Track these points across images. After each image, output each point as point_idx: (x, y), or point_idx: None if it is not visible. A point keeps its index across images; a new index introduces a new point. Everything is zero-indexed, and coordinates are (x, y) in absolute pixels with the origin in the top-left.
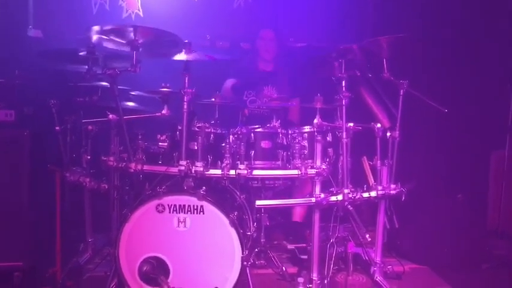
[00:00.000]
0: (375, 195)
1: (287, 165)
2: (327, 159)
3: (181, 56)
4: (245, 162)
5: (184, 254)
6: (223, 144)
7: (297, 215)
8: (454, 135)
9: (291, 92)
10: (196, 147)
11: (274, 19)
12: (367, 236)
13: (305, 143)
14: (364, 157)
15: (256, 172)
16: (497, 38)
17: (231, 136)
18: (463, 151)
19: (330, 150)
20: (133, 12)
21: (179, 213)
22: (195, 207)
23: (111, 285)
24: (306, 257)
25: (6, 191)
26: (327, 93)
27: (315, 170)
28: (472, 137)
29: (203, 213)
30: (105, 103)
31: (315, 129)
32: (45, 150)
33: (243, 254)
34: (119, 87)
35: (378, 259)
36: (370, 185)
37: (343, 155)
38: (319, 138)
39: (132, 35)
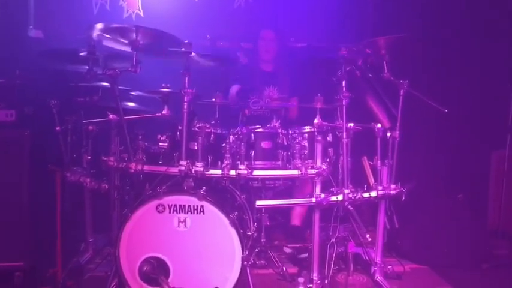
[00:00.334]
0: (375, 195)
1: (287, 165)
2: (327, 160)
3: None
4: (245, 163)
5: (184, 254)
6: (224, 145)
7: (296, 219)
8: (455, 135)
9: (291, 92)
10: (196, 148)
11: (274, 19)
12: (368, 236)
13: (305, 143)
14: (365, 157)
15: (256, 172)
16: (497, 38)
17: (231, 136)
18: (464, 151)
19: (330, 150)
20: (133, 12)
21: (179, 213)
22: (196, 207)
23: (112, 285)
24: (305, 255)
25: (7, 191)
26: (327, 93)
27: (315, 170)
28: (473, 137)
29: (203, 213)
30: (105, 103)
31: (315, 130)
32: (45, 150)
33: (243, 254)
34: (119, 87)
35: (378, 259)
36: (371, 185)
37: (343, 155)
38: (319, 138)
39: (134, 35)
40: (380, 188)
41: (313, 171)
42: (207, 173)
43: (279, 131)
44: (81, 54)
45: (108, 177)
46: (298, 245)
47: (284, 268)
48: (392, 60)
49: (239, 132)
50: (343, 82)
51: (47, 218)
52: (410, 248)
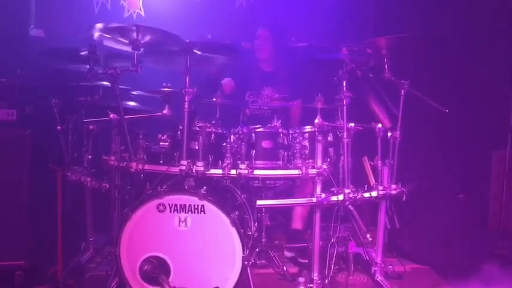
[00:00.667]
0: (376, 195)
1: (288, 165)
2: (328, 159)
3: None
4: (246, 162)
5: (185, 254)
6: (224, 144)
7: (297, 221)
8: (455, 135)
9: (291, 92)
10: (197, 147)
11: (275, 18)
12: (368, 235)
13: (306, 142)
14: (365, 157)
15: (257, 172)
16: (498, 37)
17: (232, 136)
18: (464, 151)
19: (331, 150)
20: (134, 12)
21: (180, 212)
22: (196, 207)
23: (112, 285)
24: (306, 261)
25: (8, 190)
26: (328, 93)
27: (316, 170)
28: (473, 137)
29: (204, 213)
30: (106, 103)
31: (316, 129)
32: (46, 149)
33: (243, 253)
34: (120, 86)
35: (378, 259)
36: (371, 185)
37: (344, 155)
38: (320, 138)
39: (134, 34)
40: (381, 188)
41: (313, 171)
42: (207, 172)
43: (280, 130)
44: (82, 53)
45: (109, 177)
46: (298, 245)
47: (285, 268)
48: (393, 60)
49: (240, 132)
50: (344, 82)
51: (48, 217)
52: (411, 248)
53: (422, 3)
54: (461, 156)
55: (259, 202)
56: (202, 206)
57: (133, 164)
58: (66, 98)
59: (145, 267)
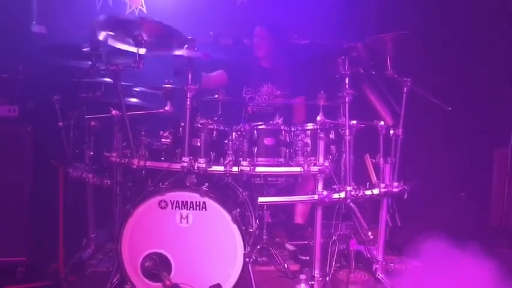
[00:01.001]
0: (378, 192)
1: (290, 162)
2: (330, 157)
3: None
4: (248, 159)
5: (186, 250)
6: (226, 141)
7: (299, 217)
8: (457, 133)
9: (292, 89)
10: (199, 144)
11: (277, 16)
12: (369, 233)
13: (308, 140)
14: (367, 155)
15: (258, 169)
16: (500, 36)
17: (233, 133)
18: (466, 149)
19: (333, 147)
20: (136, 8)
21: (182, 209)
22: (198, 204)
23: (114, 281)
24: (307, 258)
25: (9, 186)
26: (330, 91)
27: (318, 167)
28: (475, 134)
29: (205, 210)
30: (108, 99)
31: (318, 127)
32: (48, 145)
33: (245, 250)
34: (122, 83)
35: (379, 256)
36: (373, 182)
37: (346, 153)
38: (322, 135)
39: (137, 29)
40: (382, 185)
41: (315, 169)
42: (209, 169)
43: (282, 127)
44: (84, 49)
45: (111, 173)
46: (300, 243)
47: (286, 265)
48: (396, 58)
49: (242, 129)
50: (346, 79)
51: (49, 214)
52: (412, 245)
53: (423, 2)
54: (463, 154)
55: (260, 199)
56: (204, 202)
57: (135, 161)
58: (68, 95)
59: (147, 264)
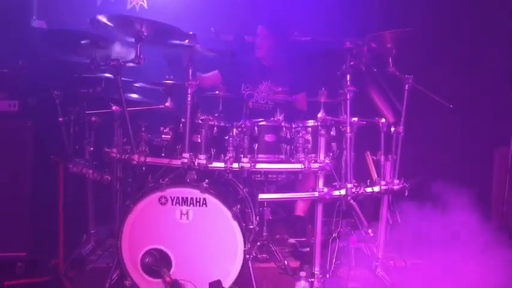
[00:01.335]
0: (378, 190)
1: (290, 159)
2: (331, 154)
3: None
4: (248, 156)
5: (186, 247)
6: (227, 137)
7: (300, 209)
8: (458, 131)
9: (292, 87)
10: (199, 140)
11: (278, 12)
12: (370, 230)
13: (309, 137)
14: (368, 152)
15: (259, 165)
16: (501, 36)
17: (234, 129)
18: (467, 147)
19: (334, 144)
20: (137, 3)
21: (182, 205)
22: (198, 200)
23: (114, 277)
24: (308, 249)
25: (9, 181)
26: (331, 88)
27: (318, 164)
28: (476, 133)
29: (206, 206)
30: (108, 94)
31: (319, 123)
32: (48, 141)
33: (245, 247)
34: (122, 78)
35: (380, 254)
36: (374, 180)
37: (346, 150)
38: (323, 132)
39: (137, 26)
40: (383, 183)
41: (316, 166)
42: (209, 165)
43: (283, 124)
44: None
45: (111, 169)
46: (300, 239)
47: (286, 262)
48: (398, 55)
49: (242, 125)
50: (348, 76)
51: (49, 209)
52: (412, 243)
53: (426, 1)
54: (464, 152)
55: (261, 196)
56: (204, 199)
57: (135, 157)
58: (69, 90)
59: (147, 260)
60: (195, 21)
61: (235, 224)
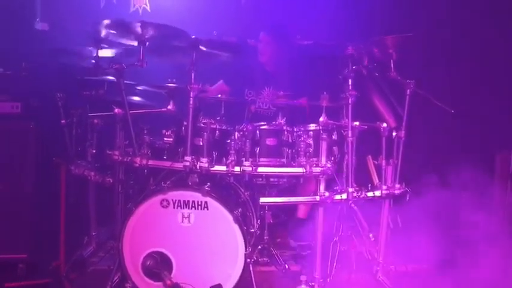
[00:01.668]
0: (379, 194)
1: (292, 162)
2: (332, 158)
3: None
4: (250, 159)
5: (187, 250)
6: (229, 141)
7: (302, 212)
8: (459, 136)
9: (295, 92)
10: (201, 143)
11: (281, 16)
12: (371, 235)
13: (310, 141)
14: (369, 156)
15: (260, 169)
16: (504, 40)
17: (236, 133)
18: (468, 152)
19: (335, 148)
20: (140, 6)
21: (183, 208)
22: (199, 203)
23: (115, 279)
24: (309, 251)
25: (11, 183)
26: (333, 92)
27: (320, 168)
28: (477, 138)
29: (207, 209)
30: (111, 97)
31: (321, 127)
32: (50, 143)
33: (246, 250)
34: (125, 81)
35: (380, 258)
36: (375, 184)
37: (348, 154)
38: (324, 136)
39: (139, 29)
40: (384, 187)
41: (317, 170)
42: (211, 169)
43: (284, 128)
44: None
45: (113, 171)
46: (301, 243)
47: (287, 266)
48: (399, 60)
49: (244, 129)
50: (350, 80)
51: (51, 211)
52: (413, 247)
53: (429, 4)
54: (465, 157)
55: (262, 199)
56: (206, 202)
57: (137, 159)
58: (71, 92)
59: (148, 263)
60: (198, 24)
61: (236, 228)
